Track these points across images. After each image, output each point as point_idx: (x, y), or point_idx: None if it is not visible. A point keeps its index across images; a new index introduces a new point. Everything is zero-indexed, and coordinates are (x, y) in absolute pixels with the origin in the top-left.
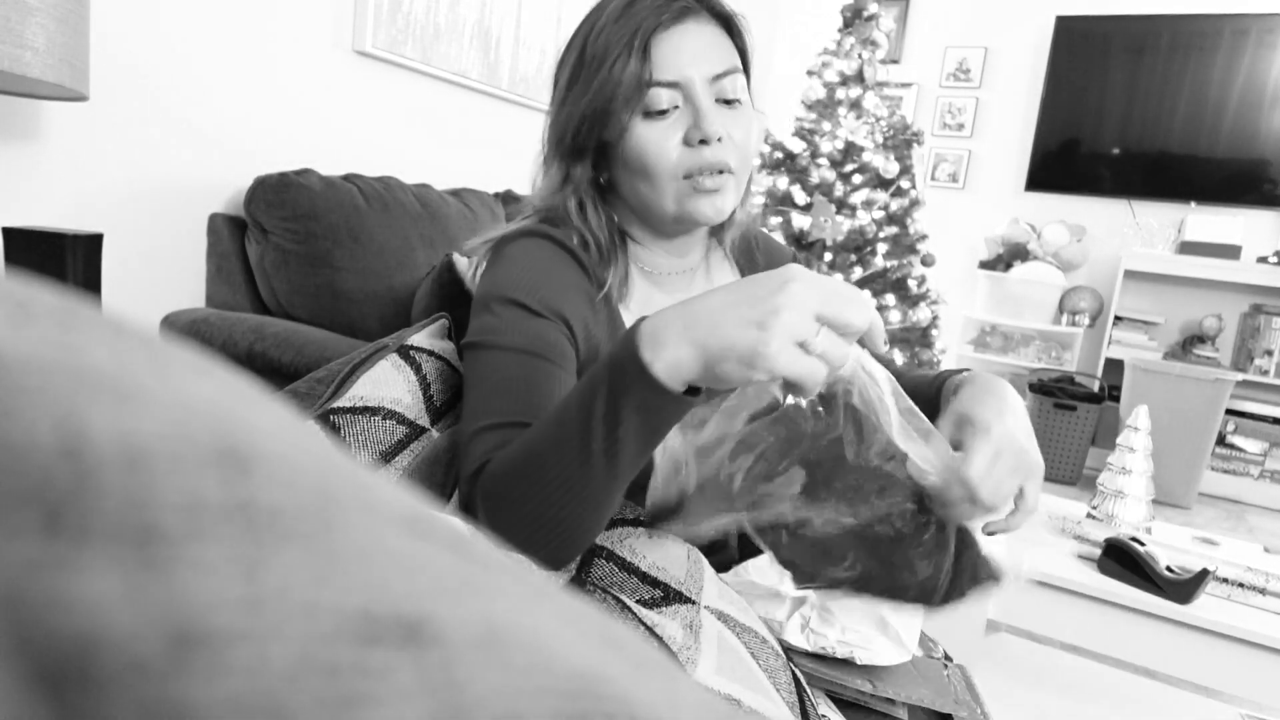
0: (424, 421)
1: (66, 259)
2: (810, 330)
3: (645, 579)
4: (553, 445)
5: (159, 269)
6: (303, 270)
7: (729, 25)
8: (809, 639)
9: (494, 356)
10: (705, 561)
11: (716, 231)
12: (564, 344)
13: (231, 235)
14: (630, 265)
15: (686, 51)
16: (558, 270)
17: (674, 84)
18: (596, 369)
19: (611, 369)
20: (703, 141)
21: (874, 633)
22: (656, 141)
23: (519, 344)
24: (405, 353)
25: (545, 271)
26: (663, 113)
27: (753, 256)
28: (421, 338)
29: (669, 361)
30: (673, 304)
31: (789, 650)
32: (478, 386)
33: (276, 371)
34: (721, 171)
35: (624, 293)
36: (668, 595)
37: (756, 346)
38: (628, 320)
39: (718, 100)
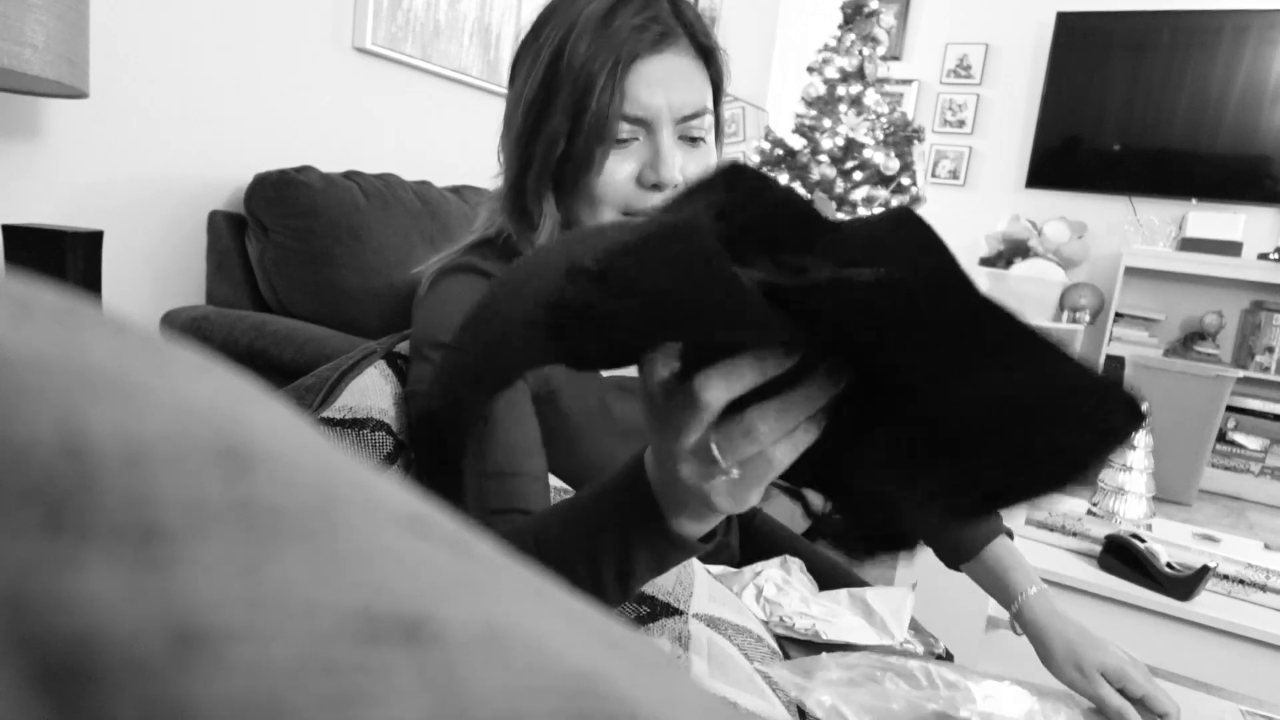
0: (405, 435)
1: (66, 257)
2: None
3: (635, 596)
4: (560, 566)
5: (159, 266)
6: (303, 268)
7: (708, 57)
8: (765, 609)
9: None
10: (697, 562)
11: None
12: None
13: (232, 233)
14: None
15: (660, 86)
16: None
17: (640, 120)
18: (601, 503)
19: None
20: (656, 186)
21: (842, 609)
22: (609, 171)
23: None
24: (393, 360)
25: None
26: (622, 141)
27: None
28: (408, 345)
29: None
30: None
31: (787, 645)
32: None
33: (277, 369)
34: None
35: None
36: (655, 610)
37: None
38: None
39: (681, 138)
